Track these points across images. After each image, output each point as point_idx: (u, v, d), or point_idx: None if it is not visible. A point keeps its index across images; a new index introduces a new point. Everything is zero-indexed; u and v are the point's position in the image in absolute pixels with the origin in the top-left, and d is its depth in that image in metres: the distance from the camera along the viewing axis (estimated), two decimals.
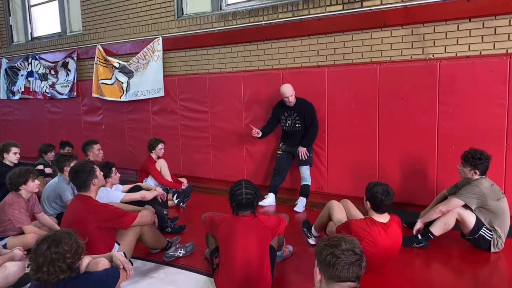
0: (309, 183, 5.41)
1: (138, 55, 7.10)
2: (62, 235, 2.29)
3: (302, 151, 5.32)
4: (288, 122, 5.38)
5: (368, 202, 3.35)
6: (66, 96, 8.42)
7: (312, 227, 4.12)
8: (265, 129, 5.54)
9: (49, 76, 8.69)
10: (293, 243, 4.00)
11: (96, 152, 5.68)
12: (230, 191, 3.20)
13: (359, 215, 3.69)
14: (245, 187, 3.15)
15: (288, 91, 5.23)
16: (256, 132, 5.44)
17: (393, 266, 3.50)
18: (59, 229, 2.50)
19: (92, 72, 7.75)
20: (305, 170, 5.40)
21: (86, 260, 2.59)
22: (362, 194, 3.45)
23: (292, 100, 5.24)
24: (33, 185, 4.04)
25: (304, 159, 5.35)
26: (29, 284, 2.74)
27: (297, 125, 5.34)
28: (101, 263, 2.60)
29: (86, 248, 2.93)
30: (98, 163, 4.75)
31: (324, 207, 3.96)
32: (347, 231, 3.22)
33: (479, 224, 3.75)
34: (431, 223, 3.96)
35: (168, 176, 5.89)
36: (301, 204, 5.32)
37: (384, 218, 3.33)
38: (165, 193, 5.00)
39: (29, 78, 9.05)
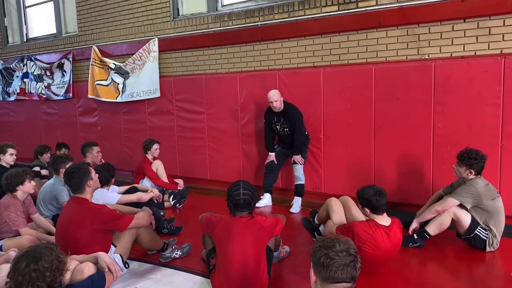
0: (303, 182, 5.42)
1: (134, 56, 7.09)
2: (42, 251, 2.18)
3: (297, 159, 5.36)
4: (277, 126, 5.43)
5: (365, 209, 3.36)
6: (61, 97, 8.39)
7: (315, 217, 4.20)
8: (269, 142, 5.58)
9: (44, 77, 8.66)
10: (290, 244, 4.00)
11: (95, 155, 5.64)
12: (228, 192, 3.21)
13: (359, 214, 3.66)
14: (242, 187, 3.16)
15: (274, 96, 5.25)
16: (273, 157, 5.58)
17: (389, 266, 3.50)
18: (40, 243, 2.37)
19: (88, 73, 7.73)
20: (299, 169, 5.41)
21: (71, 267, 2.52)
22: None
23: (277, 105, 5.26)
24: (29, 185, 4.02)
25: (301, 164, 5.38)
26: None
27: (285, 130, 5.38)
28: (86, 269, 2.53)
29: (82, 250, 2.94)
30: (97, 165, 4.77)
31: (323, 204, 4.00)
32: (348, 233, 3.22)
33: (474, 223, 3.77)
34: (426, 222, 3.97)
35: (164, 177, 5.88)
36: (296, 205, 5.33)
37: (386, 220, 3.34)
38: (161, 195, 5.00)
39: (25, 79, 9.02)
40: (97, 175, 3.53)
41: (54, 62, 8.38)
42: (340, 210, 3.83)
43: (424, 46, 4.78)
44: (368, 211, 3.36)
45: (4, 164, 5.21)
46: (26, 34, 9.34)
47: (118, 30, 7.45)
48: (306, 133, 5.45)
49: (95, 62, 7.61)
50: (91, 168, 3.44)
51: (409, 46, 4.87)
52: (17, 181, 3.94)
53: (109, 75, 7.52)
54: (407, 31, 4.85)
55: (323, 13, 5.35)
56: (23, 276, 2.10)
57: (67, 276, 2.46)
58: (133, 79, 7.24)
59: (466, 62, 4.52)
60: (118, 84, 7.43)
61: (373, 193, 3.26)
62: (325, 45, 5.42)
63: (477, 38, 4.49)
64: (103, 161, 5.48)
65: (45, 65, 8.55)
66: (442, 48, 4.69)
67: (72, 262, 2.57)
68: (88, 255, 2.73)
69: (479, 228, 3.77)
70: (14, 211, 3.86)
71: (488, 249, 3.79)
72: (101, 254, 2.71)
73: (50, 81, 8.58)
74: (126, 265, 3.40)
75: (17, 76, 9.18)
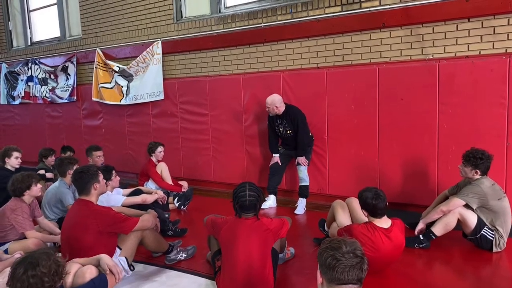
0: (308, 184, 5.40)
1: (138, 58, 7.11)
2: (39, 256, 2.17)
3: (301, 160, 5.35)
4: (280, 129, 5.42)
5: (363, 210, 3.36)
6: (66, 101, 8.42)
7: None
8: (273, 144, 5.58)
9: (49, 81, 8.70)
10: (295, 245, 3.99)
11: (95, 159, 5.78)
12: (234, 193, 3.21)
13: (364, 216, 3.66)
14: (248, 189, 3.16)
15: (268, 101, 5.27)
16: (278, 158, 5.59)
17: (395, 266, 3.49)
18: (37, 250, 2.37)
19: (92, 76, 7.76)
20: (303, 170, 5.39)
21: (73, 270, 2.52)
22: None
23: (271, 111, 5.27)
24: (36, 189, 4.04)
25: (305, 166, 5.37)
26: None
27: (288, 132, 5.37)
28: (88, 272, 2.52)
29: (87, 253, 2.94)
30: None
31: (330, 208, 4.00)
32: (348, 235, 3.21)
33: (480, 224, 3.75)
34: (432, 223, 3.95)
35: (168, 179, 5.89)
36: (301, 206, 5.32)
37: (385, 223, 3.31)
38: (166, 196, 5.00)
39: (29, 83, 9.07)
40: (104, 180, 3.54)
41: (58, 66, 8.42)
42: (344, 212, 3.82)
43: (428, 46, 4.76)
44: (365, 213, 3.36)
45: (9, 167, 5.23)
46: (30, 38, 9.39)
47: (121, 33, 7.48)
48: (310, 134, 5.44)
49: (99, 65, 7.65)
50: (99, 172, 3.45)
51: (413, 46, 4.86)
52: (23, 186, 3.95)
53: (113, 78, 7.54)
54: (411, 31, 4.84)
55: (326, 14, 5.34)
56: (22, 283, 2.09)
57: (69, 280, 2.46)
58: (137, 82, 7.26)
59: (471, 62, 4.50)
60: (122, 86, 7.45)
61: (371, 196, 3.24)
62: (328, 46, 5.41)
63: (481, 37, 4.47)
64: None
65: (49, 69, 8.59)
66: (446, 48, 4.67)
67: (74, 266, 2.56)
68: (90, 258, 2.73)
69: (485, 228, 3.75)
70: (21, 214, 3.87)
71: (494, 249, 3.77)
72: (103, 256, 2.70)
73: (55, 85, 8.61)
74: (131, 268, 3.40)
75: (22, 80, 9.23)
